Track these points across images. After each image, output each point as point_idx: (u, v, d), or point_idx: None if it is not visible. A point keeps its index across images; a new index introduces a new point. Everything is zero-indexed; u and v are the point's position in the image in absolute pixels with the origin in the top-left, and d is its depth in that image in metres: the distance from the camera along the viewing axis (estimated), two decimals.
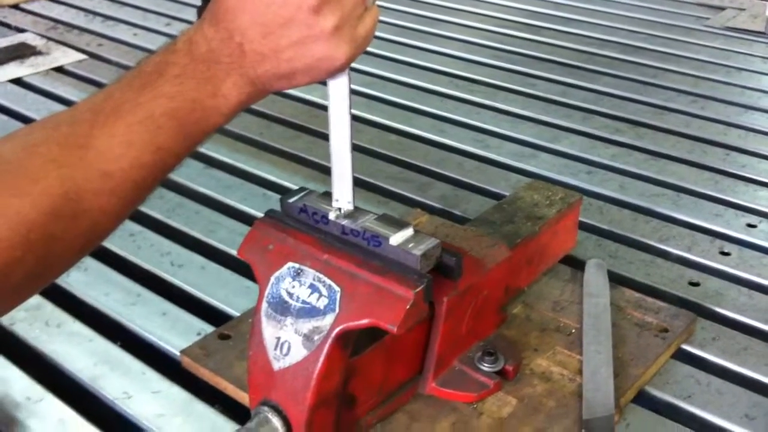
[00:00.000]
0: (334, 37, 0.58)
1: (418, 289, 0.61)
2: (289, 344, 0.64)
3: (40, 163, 0.54)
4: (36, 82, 1.47)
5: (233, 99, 0.59)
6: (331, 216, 0.67)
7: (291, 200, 0.69)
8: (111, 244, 0.98)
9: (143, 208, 1.04)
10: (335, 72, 0.61)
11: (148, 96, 0.57)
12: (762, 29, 1.61)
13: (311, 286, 0.64)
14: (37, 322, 0.86)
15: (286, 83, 0.60)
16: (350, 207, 0.67)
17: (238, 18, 0.57)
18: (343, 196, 0.66)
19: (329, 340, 0.62)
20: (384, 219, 0.66)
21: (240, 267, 0.93)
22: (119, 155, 0.55)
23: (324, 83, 0.63)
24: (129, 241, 0.99)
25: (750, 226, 1.01)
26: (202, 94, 0.58)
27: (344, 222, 0.66)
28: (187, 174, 1.14)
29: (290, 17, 0.57)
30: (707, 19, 1.71)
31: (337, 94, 0.63)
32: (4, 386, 0.77)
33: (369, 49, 1.70)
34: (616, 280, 0.89)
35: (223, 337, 0.81)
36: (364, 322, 0.62)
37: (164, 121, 0.57)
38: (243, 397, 0.73)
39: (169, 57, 0.58)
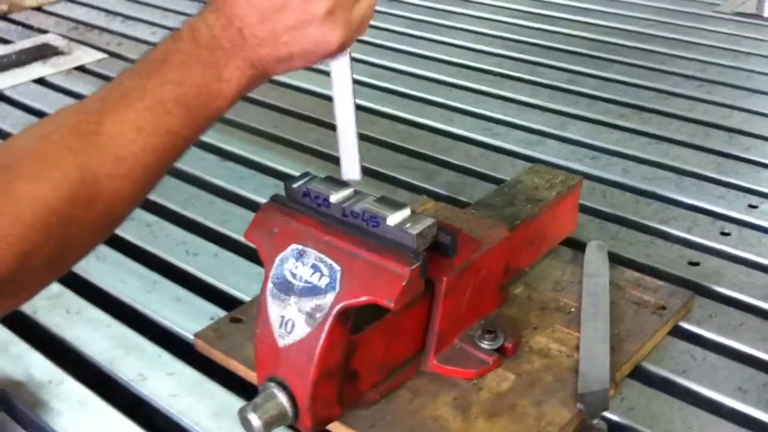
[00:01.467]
0: (327, 22, 0.60)
1: (413, 267, 0.64)
2: (293, 322, 0.67)
3: (56, 150, 0.56)
4: (58, 81, 1.51)
5: (236, 82, 0.62)
6: (332, 199, 0.70)
7: (295, 185, 0.73)
8: (128, 234, 1.02)
9: (159, 199, 1.09)
10: (331, 55, 0.63)
11: (156, 82, 0.59)
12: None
13: (313, 266, 0.67)
14: (58, 309, 0.90)
15: (285, 66, 0.63)
16: (358, 178, 0.70)
17: (236, 5, 0.60)
18: (350, 168, 0.70)
19: (330, 317, 0.65)
20: (382, 201, 0.69)
21: (251, 254, 0.97)
22: (130, 140, 0.58)
23: (326, 65, 0.66)
24: (146, 231, 1.03)
25: (751, 206, 1.03)
26: (207, 79, 0.60)
27: (344, 204, 0.69)
28: (203, 166, 1.18)
29: (284, 2, 0.59)
30: (717, 5, 1.71)
31: (340, 75, 0.66)
32: (28, 370, 0.81)
33: (379, 41, 1.72)
34: (616, 260, 0.91)
35: (235, 320, 0.85)
36: (363, 299, 0.65)
37: (172, 106, 0.59)
38: (253, 377, 0.76)
39: (174, 45, 0.61)
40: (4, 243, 0.53)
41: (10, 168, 0.55)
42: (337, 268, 0.66)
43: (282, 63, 0.62)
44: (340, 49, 0.63)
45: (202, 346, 0.83)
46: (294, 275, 0.68)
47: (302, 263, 0.68)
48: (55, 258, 0.57)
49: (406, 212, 0.68)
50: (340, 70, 0.66)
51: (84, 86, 1.48)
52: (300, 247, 0.69)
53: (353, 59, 0.67)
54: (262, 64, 0.62)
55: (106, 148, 0.57)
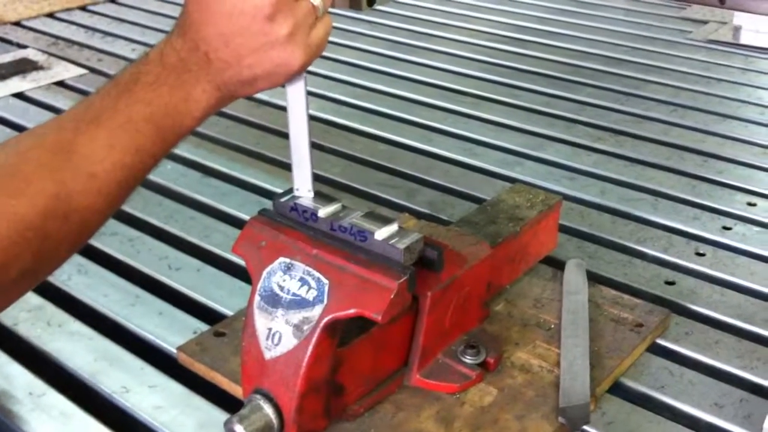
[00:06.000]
0: (289, 44, 0.63)
1: (401, 280, 0.65)
2: (280, 334, 0.68)
3: (33, 168, 0.59)
4: (38, 96, 1.51)
5: (203, 103, 0.65)
6: (320, 213, 0.71)
7: (283, 199, 0.73)
8: (110, 248, 1.02)
9: (141, 215, 1.09)
10: (292, 76, 0.66)
11: (126, 102, 0.62)
12: (746, 43, 1.66)
13: (301, 279, 0.68)
14: (39, 322, 0.89)
15: (249, 88, 0.66)
16: (310, 194, 0.72)
17: (201, 30, 0.63)
18: (303, 185, 0.72)
19: (318, 330, 0.66)
20: (370, 215, 0.71)
21: (234, 269, 0.97)
22: (102, 158, 0.61)
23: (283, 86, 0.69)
24: (128, 245, 1.03)
25: (725, 228, 1.06)
26: (174, 100, 0.63)
27: (332, 219, 0.70)
28: (185, 182, 1.18)
29: (247, 26, 0.62)
30: (690, 32, 1.75)
31: (295, 96, 0.69)
32: (8, 382, 0.81)
33: (361, 62, 1.74)
34: (595, 279, 0.93)
35: (218, 334, 0.85)
36: (351, 311, 0.66)
37: (142, 125, 0.62)
38: (237, 391, 0.77)
39: (143, 67, 0.64)
40: None
41: None
42: (325, 281, 0.67)
43: (246, 85, 0.65)
44: (301, 70, 0.66)
45: (186, 360, 0.83)
46: (282, 288, 0.69)
47: (290, 276, 0.69)
48: (31, 269, 0.59)
49: (393, 227, 0.69)
50: (296, 90, 0.69)
51: (64, 101, 1.48)
52: (288, 260, 0.69)
53: (306, 79, 0.69)
54: (227, 86, 0.65)
55: (79, 165, 0.60)
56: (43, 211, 0.58)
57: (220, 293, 0.94)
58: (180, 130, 0.65)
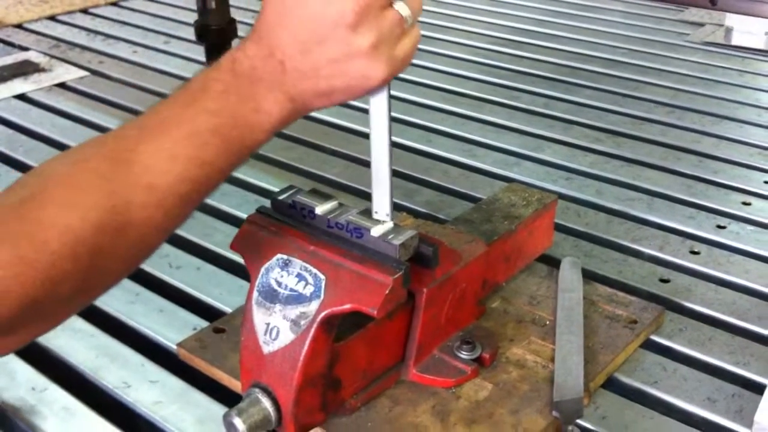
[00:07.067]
0: (372, 56, 0.59)
1: (396, 276, 0.66)
2: (277, 329, 0.69)
3: (89, 178, 0.55)
4: (39, 97, 1.52)
5: (275, 115, 0.60)
6: (318, 210, 0.72)
7: (281, 197, 0.75)
8: None
9: None
10: (372, 90, 0.62)
11: (193, 112, 0.58)
12: (738, 44, 1.67)
13: (298, 275, 0.69)
14: None
15: (326, 101, 0.61)
16: (388, 219, 0.70)
17: (278, 35, 0.59)
18: (381, 207, 0.70)
19: (315, 324, 0.67)
20: (366, 213, 0.72)
21: (234, 268, 0.99)
22: (165, 170, 0.56)
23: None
24: None
25: (720, 227, 1.07)
26: (244, 110, 0.59)
27: (329, 216, 0.71)
28: None
29: (328, 35, 0.58)
30: (687, 35, 1.77)
31: (378, 111, 0.66)
32: (11, 378, 0.82)
33: None
34: (590, 277, 0.94)
35: (218, 330, 0.86)
36: (347, 306, 0.67)
37: (208, 137, 0.58)
38: (236, 386, 0.78)
39: (213, 74, 0.60)
40: (31, 269, 0.51)
41: (42, 194, 0.54)
42: (322, 276, 0.68)
43: (322, 97, 0.61)
44: (381, 85, 0.62)
45: (185, 356, 0.84)
46: (279, 284, 0.70)
47: (287, 272, 0.70)
48: (83, 286, 0.56)
49: (389, 224, 0.70)
50: (379, 105, 0.65)
51: (65, 103, 1.49)
52: (285, 256, 0.71)
53: (390, 92, 0.65)
54: (301, 97, 0.60)
55: (139, 176, 0.56)
56: (96, 225, 0.53)
57: (220, 291, 0.95)
58: (249, 142, 0.60)
